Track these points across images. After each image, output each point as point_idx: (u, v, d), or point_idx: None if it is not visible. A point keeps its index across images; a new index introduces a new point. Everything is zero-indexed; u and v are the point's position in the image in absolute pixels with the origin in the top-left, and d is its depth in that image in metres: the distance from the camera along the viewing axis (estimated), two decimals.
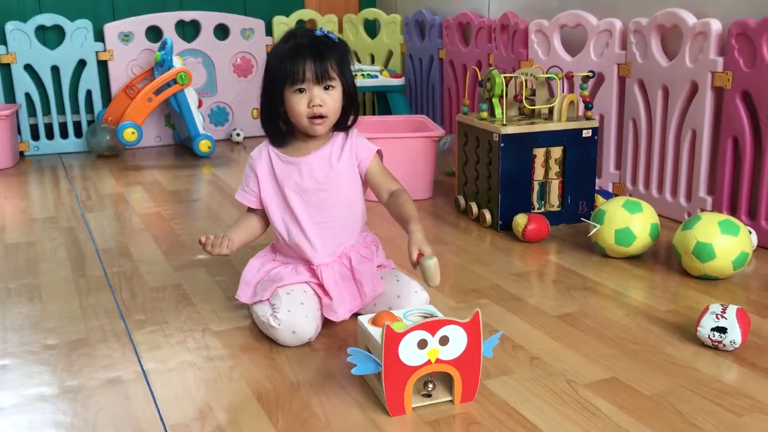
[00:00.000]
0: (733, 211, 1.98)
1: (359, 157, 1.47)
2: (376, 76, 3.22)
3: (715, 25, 1.95)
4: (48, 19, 3.21)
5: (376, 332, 1.18)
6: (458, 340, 1.14)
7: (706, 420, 1.13)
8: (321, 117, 1.40)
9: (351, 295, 1.47)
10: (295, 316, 1.37)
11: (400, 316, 1.24)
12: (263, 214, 1.51)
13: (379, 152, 1.49)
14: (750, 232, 1.80)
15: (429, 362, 1.14)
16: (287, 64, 1.37)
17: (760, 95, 1.86)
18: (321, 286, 1.45)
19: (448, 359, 1.15)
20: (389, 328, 1.10)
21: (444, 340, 1.13)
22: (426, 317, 1.23)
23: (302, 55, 1.37)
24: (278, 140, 1.47)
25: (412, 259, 1.30)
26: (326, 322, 1.46)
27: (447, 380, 1.19)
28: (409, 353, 1.12)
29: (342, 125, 1.46)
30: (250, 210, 1.53)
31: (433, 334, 1.12)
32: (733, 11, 1.94)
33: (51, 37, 3.26)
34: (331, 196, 1.45)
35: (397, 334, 1.10)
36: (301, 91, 1.38)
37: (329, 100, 1.40)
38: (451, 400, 1.18)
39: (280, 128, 1.45)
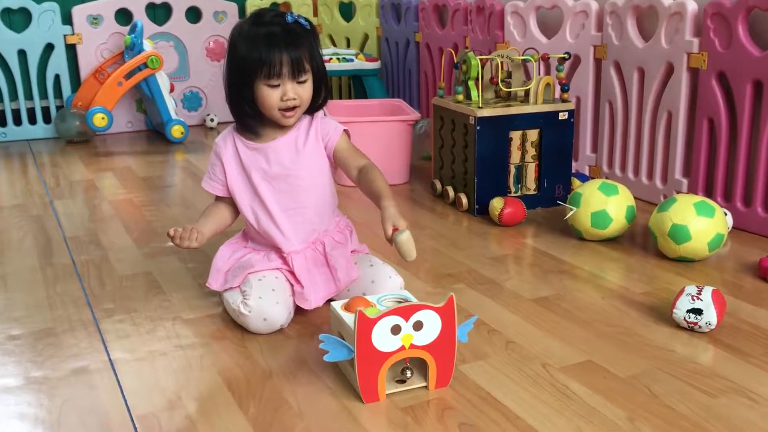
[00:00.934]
0: (709, 193, 1.98)
1: (325, 137, 1.43)
2: (352, 60, 3.18)
3: (691, 6, 1.94)
4: (14, 1, 3.12)
5: (348, 318, 1.16)
6: (432, 325, 1.12)
7: (680, 402, 1.12)
8: (293, 109, 1.37)
9: (325, 282, 1.45)
10: (265, 302, 1.34)
11: (374, 302, 1.22)
12: (232, 202, 1.48)
13: (346, 131, 1.46)
14: (725, 214, 1.80)
15: (403, 348, 1.12)
16: (260, 56, 1.32)
17: (735, 76, 1.85)
18: (293, 273, 1.43)
19: (422, 345, 1.13)
20: (362, 313, 1.08)
21: (418, 326, 1.11)
22: (400, 302, 1.21)
23: (276, 47, 1.32)
24: (248, 128, 1.42)
25: (387, 234, 1.27)
26: (299, 309, 1.43)
27: (422, 366, 1.17)
28: (382, 339, 1.10)
29: (310, 109, 1.43)
30: (218, 198, 1.50)
31: (406, 320, 1.10)
32: None
33: (17, 20, 3.17)
34: (300, 182, 1.42)
35: (370, 319, 1.08)
36: (274, 86, 1.34)
37: (302, 92, 1.36)
38: (426, 386, 1.17)
39: (249, 115, 1.40)
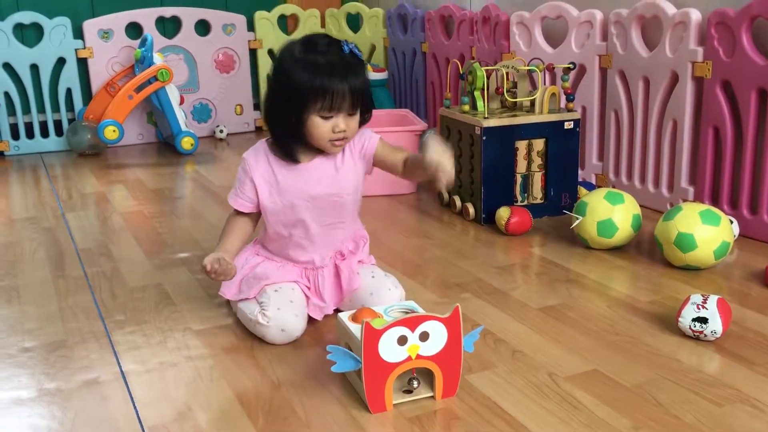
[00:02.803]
0: (715, 201, 1.98)
1: (362, 148, 1.43)
2: None
3: (695, 15, 1.95)
4: (26, 16, 3.17)
5: (355, 329, 1.17)
6: (438, 335, 1.14)
7: (686, 411, 1.13)
8: (343, 140, 1.37)
9: (334, 291, 1.48)
10: (284, 313, 1.36)
11: (381, 312, 1.23)
12: (254, 216, 1.48)
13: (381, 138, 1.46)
14: (731, 222, 1.80)
15: (409, 358, 1.13)
16: (318, 86, 1.29)
17: (740, 85, 1.86)
18: (309, 287, 1.45)
19: (428, 355, 1.14)
20: (368, 324, 1.09)
21: (424, 336, 1.13)
22: (407, 313, 1.22)
23: (335, 79, 1.29)
24: (288, 153, 1.39)
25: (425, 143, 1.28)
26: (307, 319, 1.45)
27: (428, 376, 1.18)
28: (389, 350, 1.11)
29: None
30: (238, 213, 1.47)
31: (413, 330, 1.12)
32: (713, 0, 1.93)
33: (29, 35, 3.22)
34: (340, 199, 1.43)
35: (377, 330, 1.10)
36: (328, 117, 1.33)
37: (352, 123, 1.36)
38: (433, 396, 1.18)
39: (293, 141, 1.38)
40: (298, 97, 1.31)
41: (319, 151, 1.41)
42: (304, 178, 1.41)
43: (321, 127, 1.33)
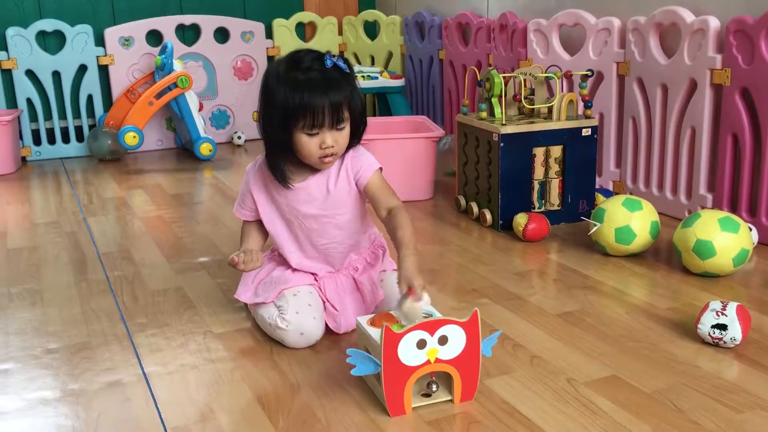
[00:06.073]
0: (734, 208, 1.98)
1: (356, 174, 1.40)
2: (376, 78, 3.22)
3: (713, 23, 1.95)
4: (48, 24, 3.22)
5: (375, 333, 1.18)
6: (457, 339, 1.15)
7: (706, 417, 1.13)
8: (332, 155, 1.36)
9: (356, 307, 1.47)
10: (303, 317, 1.38)
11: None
12: (261, 226, 1.50)
13: (380, 170, 1.43)
14: (750, 229, 1.79)
15: (428, 362, 1.14)
16: (300, 105, 1.28)
17: (759, 92, 1.86)
18: (321, 294, 1.47)
19: (447, 359, 1.15)
20: (388, 328, 1.10)
21: (443, 340, 1.14)
22: (425, 317, 1.23)
23: (316, 96, 1.28)
24: (281, 174, 1.38)
25: (401, 291, 1.22)
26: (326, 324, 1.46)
27: (446, 380, 1.19)
28: (408, 353, 1.12)
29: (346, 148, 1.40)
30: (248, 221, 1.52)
31: (432, 334, 1.13)
32: (731, 8, 1.93)
33: (52, 42, 3.27)
34: (331, 220, 1.43)
35: (396, 334, 1.11)
36: (314, 134, 1.32)
37: (341, 138, 1.35)
38: (451, 400, 1.19)
39: (285, 160, 1.37)
40: (283, 116, 1.31)
41: (314, 171, 1.41)
42: (295, 197, 1.42)
43: (308, 144, 1.33)
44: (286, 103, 1.30)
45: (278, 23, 3.61)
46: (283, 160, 1.38)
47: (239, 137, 3.52)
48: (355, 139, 1.40)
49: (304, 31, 3.72)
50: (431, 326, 1.12)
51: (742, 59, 1.88)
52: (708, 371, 1.27)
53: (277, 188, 1.43)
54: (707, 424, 1.11)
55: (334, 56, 1.33)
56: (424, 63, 3.37)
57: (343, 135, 1.35)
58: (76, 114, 3.35)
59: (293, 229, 1.45)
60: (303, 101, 1.29)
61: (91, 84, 3.32)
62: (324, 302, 1.45)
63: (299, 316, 1.37)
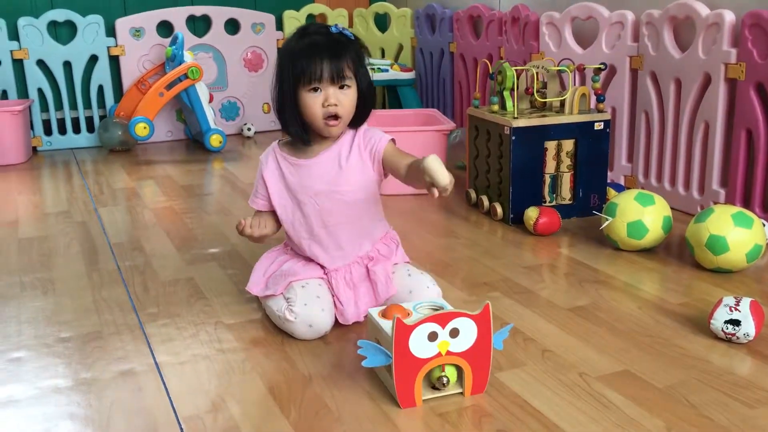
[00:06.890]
0: (747, 204, 1.96)
1: (372, 147, 1.42)
2: (387, 70, 3.21)
3: (729, 16, 1.93)
4: (60, 14, 3.23)
5: (386, 325, 1.18)
6: (468, 332, 1.14)
7: (718, 412, 1.12)
8: (336, 117, 1.37)
9: (367, 296, 1.47)
10: (311, 309, 1.38)
11: (410, 309, 1.24)
12: (275, 215, 1.51)
13: (392, 141, 1.45)
14: (764, 225, 1.78)
15: (439, 354, 1.14)
16: (302, 63, 1.33)
17: None
18: (330, 287, 1.46)
19: (458, 351, 1.15)
20: (399, 320, 1.10)
21: (454, 332, 1.13)
22: (436, 310, 1.23)
23: (318, 53, 1.33)
24: (296, 138, 1.42)
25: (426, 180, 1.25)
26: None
27: (457, 372, 1.19)
28: (419, 345, 1.12)
29: (355, 123, 1.44)
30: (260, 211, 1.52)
31: (443, 327, 1.13)
32: (747, 2, 1.92)
33: (63, 32, 3.28)
34: (343, 197, 1.43)
35: (408, 326, 1.11)
36: (316, 90, 1.35)
37: (345, 99, 1.36)
38: (462, 392, 1.18)
39: (296, 125, 1.40)
40: (288, 79, 1.36)
41: (326, 146, 1.43)
42: (308, 173, 1.43)
43: (312, 104, 1.36)
44: (289, 65, 1.35)
45: (289, 15, 3.60)
46: (297, 129, 1.41)
47: (249, 129, 3.53)
48: (362, 108, 1.41)
49: (314, 22, 3.71)
50: (443, 319, 1.12)
51: (758, 54, 1.87)
52: (720, 367, 1.26)
53: (290, 169, 1.45)
54: (720, 419, 1.11)
55: (340, 26, 1.39)
56: (435, 56, 3.36)
57: (348, 97, 1.37)
58: (87, 104, 3.36)
59: (305, 210, 1.45)
60: (304, 56, 1.34)
61: (101, 74, 3.32)
62: (333, 295, 1.45)
63: (307, 308, 1.37)
